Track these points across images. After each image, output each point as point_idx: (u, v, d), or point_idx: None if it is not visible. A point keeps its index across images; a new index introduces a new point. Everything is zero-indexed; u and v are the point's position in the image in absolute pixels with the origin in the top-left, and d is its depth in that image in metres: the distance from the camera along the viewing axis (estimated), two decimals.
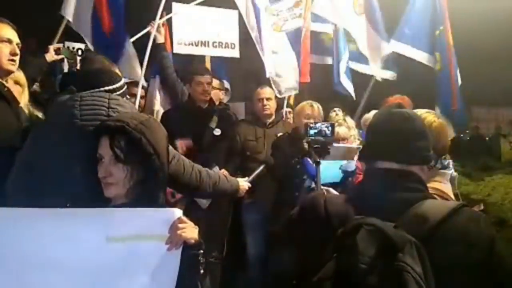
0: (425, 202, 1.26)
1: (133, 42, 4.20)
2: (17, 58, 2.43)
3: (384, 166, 1.34)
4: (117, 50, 3.99)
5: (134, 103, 3.97)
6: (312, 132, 3.03)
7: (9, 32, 2.40)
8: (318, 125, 3.03)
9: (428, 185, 1.59)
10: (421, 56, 5.09)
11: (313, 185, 3.19)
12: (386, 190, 1.29)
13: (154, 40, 4.08)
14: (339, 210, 1.32)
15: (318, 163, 2.88)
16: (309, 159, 3.16)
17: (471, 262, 1.17)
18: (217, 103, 4.06)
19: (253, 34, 4.52)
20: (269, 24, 4.58)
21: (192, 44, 4.36)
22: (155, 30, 4.07)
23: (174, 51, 4.35)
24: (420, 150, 1.36)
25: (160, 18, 4.16)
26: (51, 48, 3.29)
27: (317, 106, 3.71)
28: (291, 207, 3.16)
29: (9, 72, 2.43)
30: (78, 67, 3.36)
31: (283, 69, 4.80)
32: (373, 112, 2.93)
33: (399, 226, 1.13)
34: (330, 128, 3.03)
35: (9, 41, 2.39)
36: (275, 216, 3.50)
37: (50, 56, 3.26)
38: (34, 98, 2.79)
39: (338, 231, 1.16)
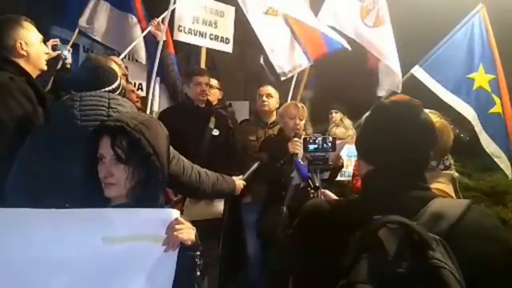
0: (436, 200, 1.25)
1: None
2: None
3: (398, 169, 1.29)
4: None
5: (146, 103, 4.04)
6: (311, 147, 2.78)
7: (39, 33, 2.40)
8: (318, 140, 2.79)
9: (431, 186, 1.60)
10: (451, 99, 4.64)
11: (302, 183, 3.03)
12: (401, 189, 1.27)
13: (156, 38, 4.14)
14: (347, 214, 1.28)
15: (316, 188, 2.60)
16: (300, 160, 3.06)
17: (492, 255, 1.17)
18: (215, 102, 4.07)
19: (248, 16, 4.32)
20: (263, 9, 4.36)
21: (191, 33, 4.38)
22: (155, 28, 4.16)
23: (174, 38, 4.37)
24: (430, 157, 1.36)
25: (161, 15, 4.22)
26: (49, 44, 3.12)
27: (301, 106, 3.59)
28: (278, 206, 3.18)
29: (43, 72, 2.46)
30: (69, 61, 3.30)
31: (280, 46, 4.50)
32: None
33: (419, 224, 1.10)
34: (330, 143, 2.78)
35: (43, 41, 2.42)
36: (264, 216, 3.49)
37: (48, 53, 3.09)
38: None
39: (358, 233, 1.10)
